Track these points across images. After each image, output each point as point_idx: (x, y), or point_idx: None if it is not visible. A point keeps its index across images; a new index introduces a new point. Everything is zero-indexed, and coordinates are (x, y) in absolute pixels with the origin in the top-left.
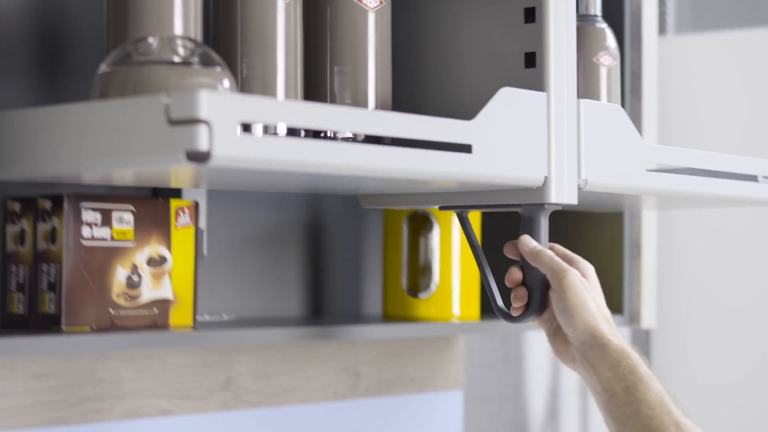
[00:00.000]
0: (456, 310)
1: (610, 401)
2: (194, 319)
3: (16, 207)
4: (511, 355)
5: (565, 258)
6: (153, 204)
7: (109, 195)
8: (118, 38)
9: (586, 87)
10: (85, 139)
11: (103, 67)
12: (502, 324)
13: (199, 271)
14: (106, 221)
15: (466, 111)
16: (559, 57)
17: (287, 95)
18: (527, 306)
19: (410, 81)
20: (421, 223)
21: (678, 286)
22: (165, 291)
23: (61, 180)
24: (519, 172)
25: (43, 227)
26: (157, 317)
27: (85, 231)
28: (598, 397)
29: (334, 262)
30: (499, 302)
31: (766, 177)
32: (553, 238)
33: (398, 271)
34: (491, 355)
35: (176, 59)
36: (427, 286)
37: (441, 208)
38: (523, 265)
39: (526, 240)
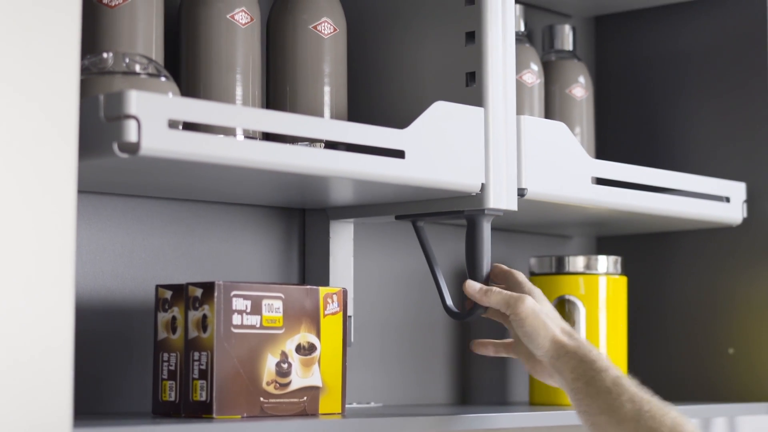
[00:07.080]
0: None
1: (577, 397)
2: (343, 407)
3: (167, 294)
4: None
5: (508, 278)
6: (302, 291)
7: (259, 283)
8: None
9: (563, 116)
10: None
11: None
12: None
13: (347, 358)
14: (256, 309)
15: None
16: (496, 75)
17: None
18: (475, 305)
19: (366, 99)
20: (567, 308)
21: None
22: (314, 379)
23: None
24: (454, 177)
25: (194, 315)
26: (306, 405)
27: (236, 319)
28: (570, 398)
29: None
30: (448, 302)
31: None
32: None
33: None
34: None
35: (127, 71)
36: None
37: (396, 218)
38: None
39: (471, 285)
